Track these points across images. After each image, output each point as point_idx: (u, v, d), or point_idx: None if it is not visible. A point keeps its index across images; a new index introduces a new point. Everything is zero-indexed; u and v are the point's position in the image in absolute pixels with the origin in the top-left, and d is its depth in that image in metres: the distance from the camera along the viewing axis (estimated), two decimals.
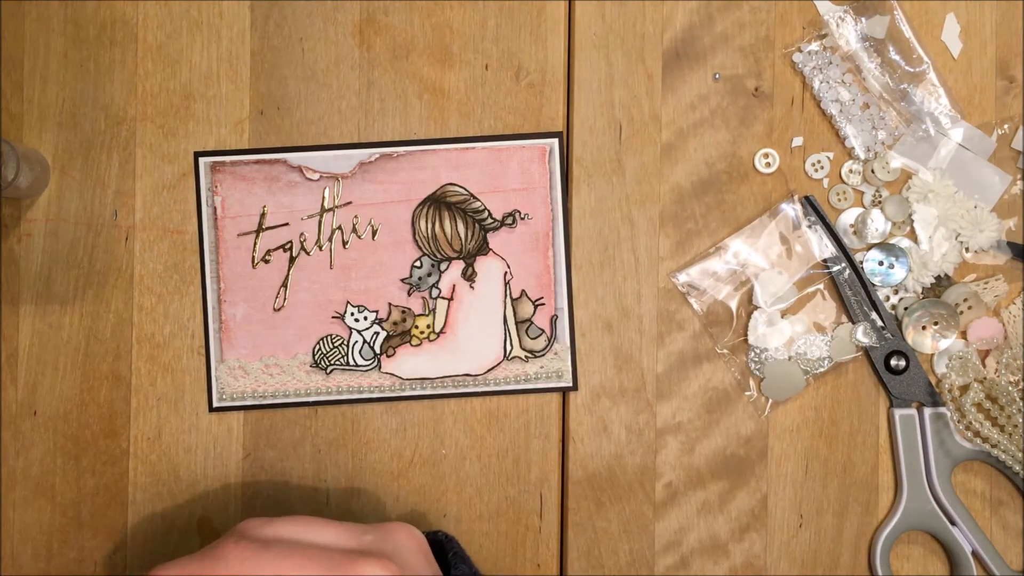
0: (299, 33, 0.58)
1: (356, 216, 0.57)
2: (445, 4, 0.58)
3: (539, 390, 0.57)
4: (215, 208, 0.57)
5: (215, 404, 0.57)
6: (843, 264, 0.57)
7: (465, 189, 0.57)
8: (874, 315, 0.57)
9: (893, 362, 0.57)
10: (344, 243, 0.57)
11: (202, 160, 0.57)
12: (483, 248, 0.57)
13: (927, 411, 0.57)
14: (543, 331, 0.57)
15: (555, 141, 0.57)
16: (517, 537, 0.57)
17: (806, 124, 0.58)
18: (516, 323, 0.57)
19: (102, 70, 0.58)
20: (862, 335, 0.57)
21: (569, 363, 0.57)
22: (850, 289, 0.57)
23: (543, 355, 0.57)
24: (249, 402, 0.57)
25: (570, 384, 0.57)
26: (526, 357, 0.57)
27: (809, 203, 0.57)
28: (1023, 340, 0.56)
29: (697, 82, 0.58)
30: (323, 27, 0.58)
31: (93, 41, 0.58)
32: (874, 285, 0.57)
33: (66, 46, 0.58)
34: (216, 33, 0.58)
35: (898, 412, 0.57)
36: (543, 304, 0.57)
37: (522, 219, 0.57)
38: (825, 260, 0.57)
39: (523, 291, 0.57)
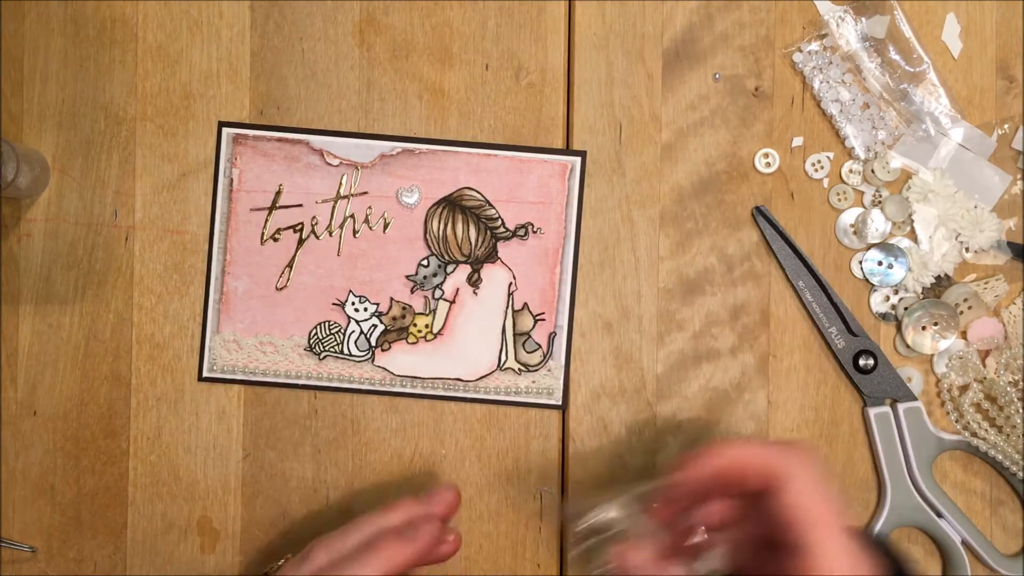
0: (299, 33, 0.58)
1: (370, 207, 0.57)
2: (445, 4, 0.58)
3: (527, 404, 0.57)
4: (232, 180, 0.57)
5: (205, 374, 0.57)
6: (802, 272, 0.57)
7: (482, 195, 0.57)
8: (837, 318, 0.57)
9: (861, 362, 0.57)
10: (355, 232, 0.57)
11: (225, 130, 0.57)
12: (492, 256, 0.57)
13: (900, 407, 0.57)
14: (540, 346, 0.57)
15: (578, 160, 0.57)
16: (517, 537, 0.57)
17: (806, 124, 0.58)
18: (514, 335, 0.57)
19: (102, 70, 0.58)
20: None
21: (561, 382, 0.57)
22: (811, 294, 0.57)
23: (536, 370, 0.57)
24: (240, 376, 0.57)
25: (559, 403, 0.57)
26: (519, 370, 0.57)
27: (761, 214, 0.57)
28: (1023, 340, 0.56)
29: (697, 82, 0.58)
30: (323, 27, 0.58)
31: (93, 41, 0.58)
32: (875, 287, 0.57)
33: (66, 46, 0.58)
34: (216, 33, 0.58)
35: (872, 411, 0.57)
36: (543, 320, 0.57)
37: (535, 232, 0.57)
38: (784, 269, 0.57)
39: (525, 304, 0.57)
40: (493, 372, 0.57)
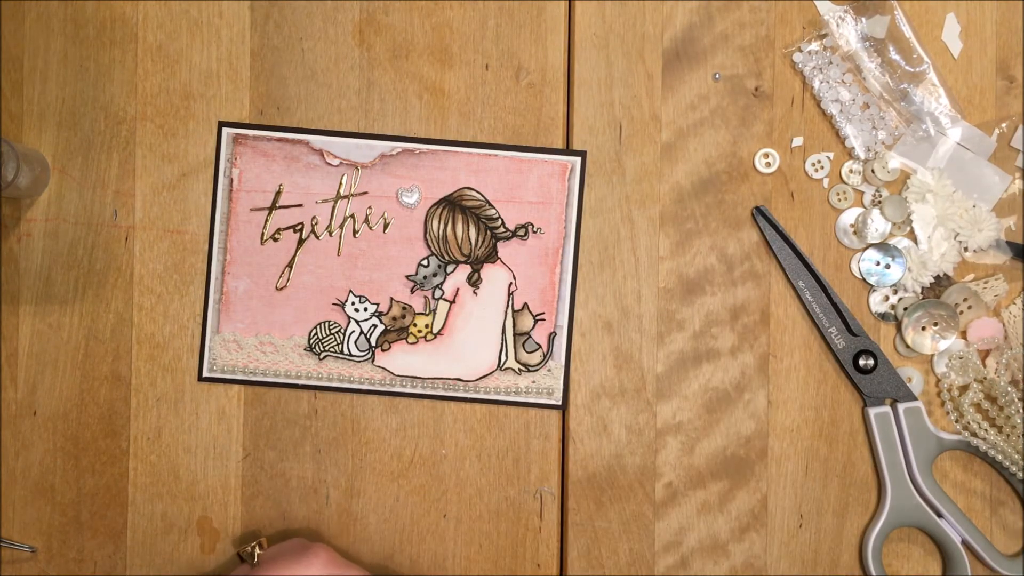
0: (299, 33, 0.58)
1: (370, 207, 0.57)
2: (445, 4, 0.58)
3: (527, 404, 0.57)
4: (232, 180, 0.57)
5: (205, 374, 0.57)
6: (801, 271, 0.57)
7: (482, 195, 0.57)
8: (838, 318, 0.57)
9: (861, 362, 0.57)
10: (355, 232, 0.57)
11: (225, 130, 0.57)
12: (492, 256, 0.57)
13: (900, 407, 0.57)
14: (540, 346, 0.57)
15: (578, 160, 0.57)
16: (517, 537, 0.57)
17: (806, 124, 0.58)
18: (514, 335, 0.57)
19: (102, 70, 0.58)
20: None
21: (561, 381, 0.57)
22: (810, 295, 0.57)
23: (536, 370, 0.57)
24: (240, 376, 0.57)
25: (559, 403, 0.57)
26: (519, 370, 0.57)
27: (761, 214, 0.57)
28: (1023, 340, 0.56)
29: (697, 82, 0.58)
30: (323, 27, 0.58)
31: (93, 41, 0.58)
32: (873, 287, 0.57)
33: (66, 46, 0.58)
34: (216, 33, 0.58)
35: (872, 411, 0.57)
36: (543, 320, 0.57)
37: (535, 232, 0.57)
38: (784, 269, 0.57)
39: (525, 304, 0.57)
40: (493, 372, 0.57)
